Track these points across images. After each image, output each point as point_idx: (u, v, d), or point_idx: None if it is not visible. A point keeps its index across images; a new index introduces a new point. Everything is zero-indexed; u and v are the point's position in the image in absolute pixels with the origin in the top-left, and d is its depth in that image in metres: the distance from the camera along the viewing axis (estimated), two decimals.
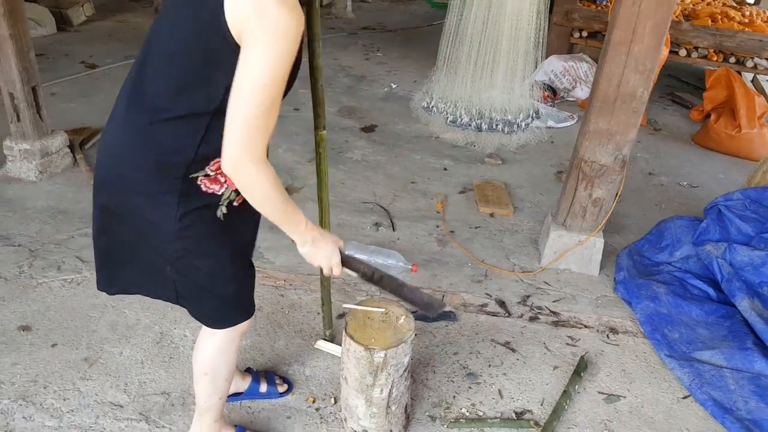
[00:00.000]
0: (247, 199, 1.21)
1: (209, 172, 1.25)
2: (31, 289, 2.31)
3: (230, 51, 1.10)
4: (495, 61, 2.77)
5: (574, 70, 4.90)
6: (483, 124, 3.05)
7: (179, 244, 1.29)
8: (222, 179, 1.27)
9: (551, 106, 4.66)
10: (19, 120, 3.10)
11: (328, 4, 8.30)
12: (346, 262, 1.39)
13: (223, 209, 1.31)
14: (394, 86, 5.23)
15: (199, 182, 1.25)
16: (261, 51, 1.07)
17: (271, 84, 1.09)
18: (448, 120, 3.16)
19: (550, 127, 4.29)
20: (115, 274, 1.43)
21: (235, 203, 1.34)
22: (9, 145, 3.12)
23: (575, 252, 2.57)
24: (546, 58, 4.85)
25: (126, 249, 1.37)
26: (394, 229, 2.91)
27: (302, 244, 1.33)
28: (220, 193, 1.29)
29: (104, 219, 1.35)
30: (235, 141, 1.11)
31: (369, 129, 4.23)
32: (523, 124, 3.05)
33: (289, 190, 3.24)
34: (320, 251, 1.35)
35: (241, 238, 1.45)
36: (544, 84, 4.83)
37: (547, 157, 3.90)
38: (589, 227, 2.57)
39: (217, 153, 1.17)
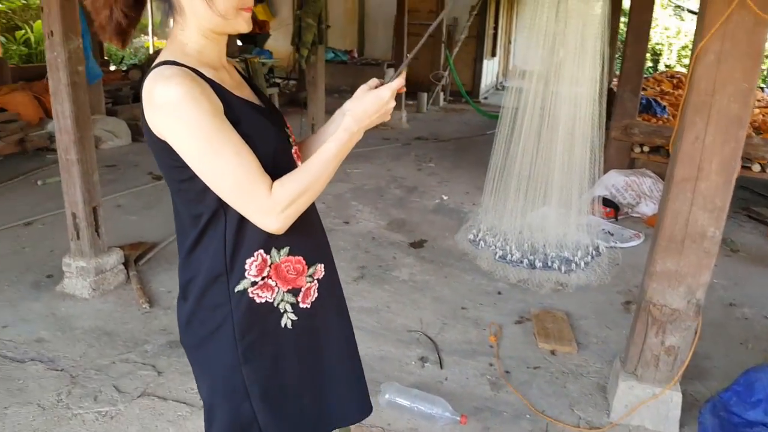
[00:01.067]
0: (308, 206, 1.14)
1: (254, 280, 1.16)
2: (65, 421, 2.25)
3: (172, 151, 1.08)
4: (548, 190, 2.65)
5: (637, 185, 4.72)
6: (537, 260, 2.88)
7: (246, 368, 1.20)
8: (272, 282, 1.18)
9: (614, 223, 4.46)
10: (78, 238, 3.20)
11: None
12: (389, 88, 1.15)
13: (291, 316, 1.21)
14: (445, 198, 5.18)
15: (250, 294, 1.17)
16: (176, 130, 1.04)
17: (209, 149, 1.04)
18: (497, 255, 3.00)
19: (613, 247, 4.07)
20: None
21: (301, 305, 1.23)
22: (67, 262, 3.20)
23: (649, 406, 2.29)
24: (604, 172, 4.71)
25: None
26: (441, 366, 2.71)
27: (360, 131, 1.16)
28: (272, 299, 1.19)
29: None
30: (246, 212, 1.09)
31: (418, 244, 4.13)
32: (582, 262, 2.85)
33: None
34: (369, 115, 1.14)
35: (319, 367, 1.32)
36: (605, 199, 4.65)
37: (613, 283, 3.62)
38: (664, 378, 2.29)
39: (247, 252, 1.14)
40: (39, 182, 5.01)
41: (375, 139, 7.39)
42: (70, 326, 2.89)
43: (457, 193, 5.29)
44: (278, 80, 10.25)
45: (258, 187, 1.07)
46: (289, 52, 7.53)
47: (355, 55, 11.21)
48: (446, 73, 10.22)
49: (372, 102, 1.13)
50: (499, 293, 3.45)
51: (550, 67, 2.49)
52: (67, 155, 3.04)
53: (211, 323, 1.19)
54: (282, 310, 1.21)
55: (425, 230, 4.39)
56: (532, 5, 2.66)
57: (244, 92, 1.22)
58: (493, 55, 13.48)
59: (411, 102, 9.59)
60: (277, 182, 1.09)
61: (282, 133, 1.23)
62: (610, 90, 7.02)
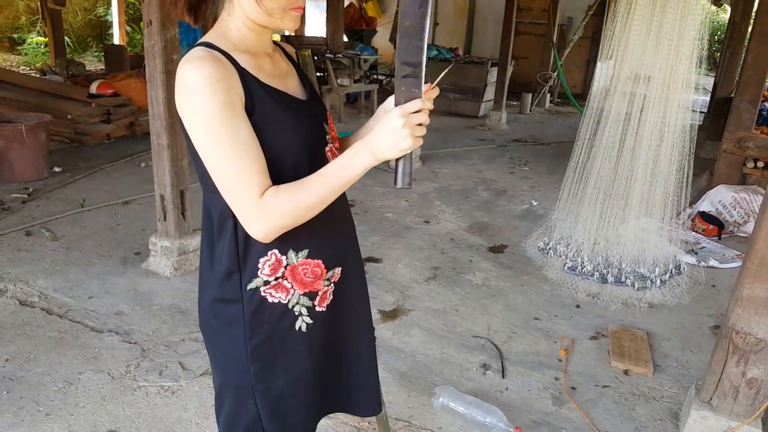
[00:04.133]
0: (300, 223, 1.06)
1: (267, 279, 1.13)
2: (131, 392, 2.36)
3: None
4: (628, 199, 2.40)
5: (747, 202, 4.27)
6: (609, 275, 2.59)
7: (254, 366, 1.17)
8: (288, 284, 1.15)
9: (716, 241, 4.06)
10: (165, 219, 3.36)
11: (483, 116, 8.39)
12: (401, 113, 0.98)
13: (306, 319, 1.18)
14: (534, 203, 4.96)
15: (263, 293, 1.14)
16: (186, 113, 1.04)
17: (209, 139, 1.02)
18: (566, 266, 2.74)
19: (711, 267, 3.70)
20: None
21: (318, 308, 1.20)
22: (153, 241, 3.38)
23: None
24: (712, 187, 4.30)
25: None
26: (503, 376, 2.58)
27: (377, 159, 1.01)
28: (286, 301, 1.15)
29: None
30: (235, 211, 1.06)
31: (498, 249, 3.98)
32: (659, 280, 2.55)
33: (396, 312, 3.08)
34: (386, 146, 0.99)
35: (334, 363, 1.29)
36: (709, 216, 4.24)
37: (705, 304, 3.31)
38: (743, 412, 2.04)
39: (260, 250, 1.11)
40: (142, 164, 5.34)
41: (469, 139, 7.24)
42: (149, 302, 3.05)
43: (549, 199, 5.03)
44: (381, 77, 10.35)
45: (247, 188, 1.02)
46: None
47: (460, 52, 11.06)
48: (554, 74, 9.82)
49: (386, 132, 0.99)
50: (578, 306, 3.25)
51: (637, 69, 2.29)
52: (158, 140, 3.20)
53: (225, 317, 1.18)
54: (297, 313, 1.17)
55: (507, 235, 4.23)
56: (631, 8, 2.47)
57: (286, 82, 1.17)
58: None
59: (514, 102, 9.31)
60: (271, 189, 1.04)
61: (318, 128, 1.18)
62: (728, 99, 6.42)
